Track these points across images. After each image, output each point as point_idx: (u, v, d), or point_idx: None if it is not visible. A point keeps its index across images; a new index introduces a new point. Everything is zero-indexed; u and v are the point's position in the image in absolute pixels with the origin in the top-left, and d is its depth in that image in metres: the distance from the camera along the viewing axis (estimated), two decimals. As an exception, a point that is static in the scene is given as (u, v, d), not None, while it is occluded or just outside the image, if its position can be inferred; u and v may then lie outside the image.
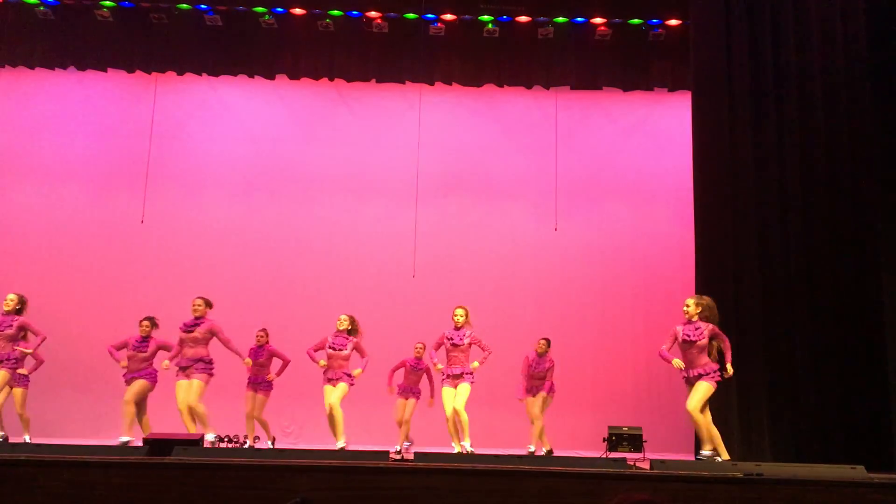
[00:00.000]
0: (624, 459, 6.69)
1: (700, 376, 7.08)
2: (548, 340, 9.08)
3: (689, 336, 7.08)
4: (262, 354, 8.94)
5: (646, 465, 6.20)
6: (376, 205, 11.41)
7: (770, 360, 8.41)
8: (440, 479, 5.23)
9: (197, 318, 8.06)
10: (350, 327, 8.30)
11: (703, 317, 7.13)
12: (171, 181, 11.25)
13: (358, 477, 5.25)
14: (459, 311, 8.20)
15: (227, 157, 11.55)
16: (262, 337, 9.03)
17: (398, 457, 7.32)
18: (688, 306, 7.19)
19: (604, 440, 9.05)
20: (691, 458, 8.81)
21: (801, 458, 7.78)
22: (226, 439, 8.56)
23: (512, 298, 11.08)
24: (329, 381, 8.17)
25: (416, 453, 6.52)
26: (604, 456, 8.11)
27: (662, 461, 6.06)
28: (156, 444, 6.15)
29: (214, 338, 8.08)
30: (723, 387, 8.44)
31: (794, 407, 8.29)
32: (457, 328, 8.16)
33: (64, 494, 5.10)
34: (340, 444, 7.91)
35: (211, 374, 8.04)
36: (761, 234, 8.67)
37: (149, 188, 10.95)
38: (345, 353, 8.18)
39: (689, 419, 7.23)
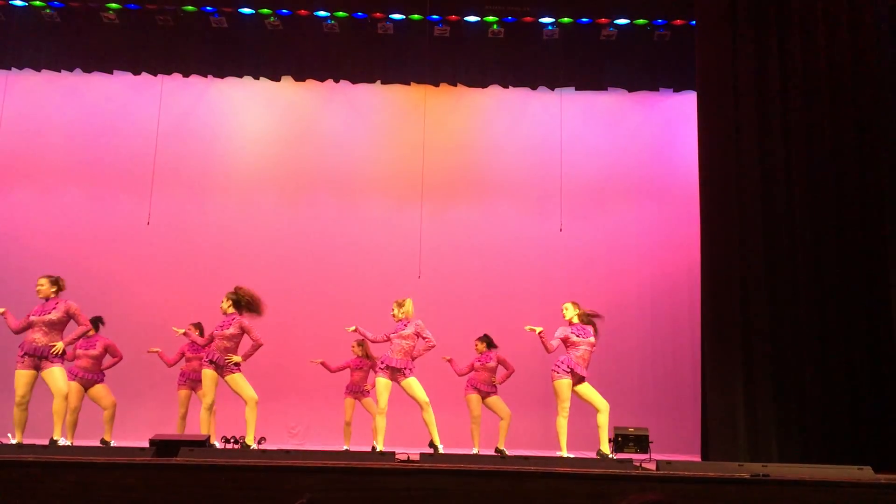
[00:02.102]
0: (630, 460, 6.69)
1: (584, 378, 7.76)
2: (483, 339, 9.03)
3: (579, 335, 7.76)
4: (201, 349, 8.68)
5: (652, 466, 6.19)
6: (382, 206, 11.43)
7: (777, 359, 8.38)
8: (446, 480, 5.24)
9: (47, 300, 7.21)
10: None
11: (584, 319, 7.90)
12: (177, 183, 11.28)
13: (364, 478, 5.26)
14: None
15: (232, 159, 11.58)
16: (192, 331, 8.84)
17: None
18: (567, 309, 7.94)
19: (610, 441, 9.04)
20: (698, 459, 8.80)
21: (808, 458, 7.75)
22: (231, 440, 8.55)
23: (517, 299, 11.08)
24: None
25: (421, 454, 6.53)
26: (610, 457, 8.10)
27: (669, 462, 6.06)
28: (162, 446, 6.16)
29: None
30: (730, 388, 8.45)
31: (800, 408, 8.26)
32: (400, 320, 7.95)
33: (70, 495, 5.11)
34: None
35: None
36: (768, 234, 8.64)
37: (155, 190, 10.98)
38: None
39: (603, 421, 7.70)
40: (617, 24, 10.24)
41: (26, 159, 11.25)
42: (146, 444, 6.35)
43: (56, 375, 7.05)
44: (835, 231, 8.53)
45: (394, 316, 7.96)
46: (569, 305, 7.98)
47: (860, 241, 8.47)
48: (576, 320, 7.86)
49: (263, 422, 7.70)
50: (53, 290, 7.25)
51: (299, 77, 10.90)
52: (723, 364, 8.45)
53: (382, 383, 7.73)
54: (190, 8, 10.15)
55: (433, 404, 7.77)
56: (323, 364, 9.16)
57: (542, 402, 10.13)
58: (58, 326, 7.18)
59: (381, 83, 11.03)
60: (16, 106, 11.17)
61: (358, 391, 9.09)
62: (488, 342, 9.00)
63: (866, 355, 8.26)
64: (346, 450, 8.46)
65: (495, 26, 10.25)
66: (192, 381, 8.77)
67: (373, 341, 8.15)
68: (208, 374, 7.54)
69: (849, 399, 8.19)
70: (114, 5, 10.12)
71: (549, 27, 10.27)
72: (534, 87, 11.01)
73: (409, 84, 11.05)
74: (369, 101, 11.60)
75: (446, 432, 8.04)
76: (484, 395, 8.81)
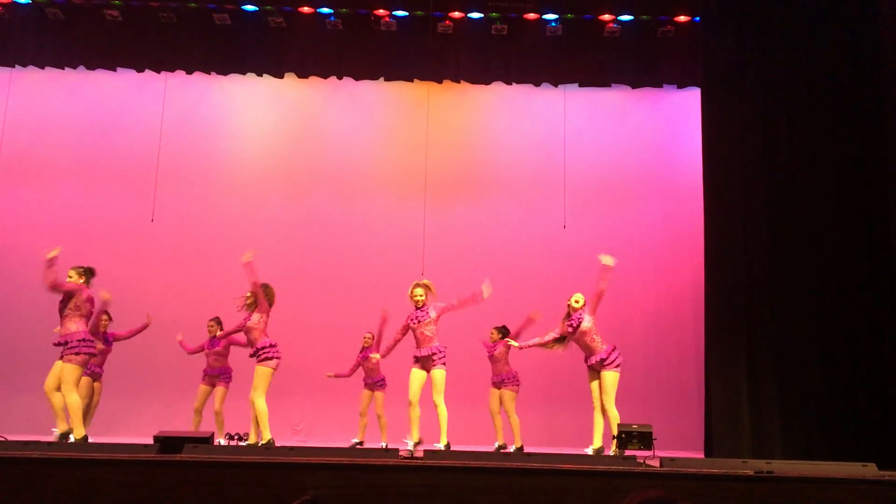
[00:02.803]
0: (634, 457, 6.68)
1: (603, 362, 7.62)
2: (499, 329, 8.88)
3: (573, 326, 7.72)
4: (218, 344, 8.80)
5: (656, 463, 6.19)
6: (385, 202, 11.42)
7: (780, 357, 8.38)
8: (450, 477, 5.23)
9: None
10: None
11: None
12: (181, 180, 11.28)
13: (367, 475, 5.26)
14: (419, 291, 7.83)
15: (236, 156, 11.59)
16: (213, 327, 8.90)
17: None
18: (577, 301, 7.88)
19: (613, 438, 9.03)
20: (701, 455, 8.79)
21: (812, 455, 7.75)
22: (236, 437, 8.57)
23: (520, 296, 11.04)
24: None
25: (425, 451, 6.53)
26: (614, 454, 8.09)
27: (672, 459, 6.05)
28: (166, 442, 6.17)
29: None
30: (733, 384, 8.44)
31: (804, 404, 8.26)
32: (419, 308, 7.86)
33: (74, 492, 5.12)
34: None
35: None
36: (771, 230, 8.64)
37: (159, 187, 10.98)
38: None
39: (606, 415, 7.63)
40: (621, 21, 10.22)
41: (30, 156, 11.25)
42: (150, 441, 6.37)
43: (65, 373, 7.02)
44: (839, 228, 8.52)
45: (417, 301, 7.84)
46: (580, 297, 7.92)
47: (864, 239, 8.47)
48: (576, 306, 7.83)
49: (248, 418, 7.69)
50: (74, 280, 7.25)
51: (302, 74, 10.90)
52: (727, 361, 8.46)
53: (414, 374, 7.74)
54: (193, 5, 10.16)
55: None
56: (337, 375, 9.18)
57: (545, 399, 10.13)
58: (64, 314, 7.13)
59: (385, 80, 11.01)
60: (20, 103, 11.18)
61: (373, 383, 9.12)
62: (503, 333, 8.85)
63: (870, 353, 8.26)
64: (358, 443, 8.51)
65: (498, 23, 10.24)
66: (211, 378, 8.80)
67: (396, 342, 8.08)
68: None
69: (852, 396, 8.19)
70: (117, 2, 10.13)
71: (553, 24, 10.25)
72: (537, 84, 10.99)
73: (413, 81, 11.03)
74: (372, 98, 11.59)
75: (455, 427, 8.03)
76: (497, 386, 8.77)
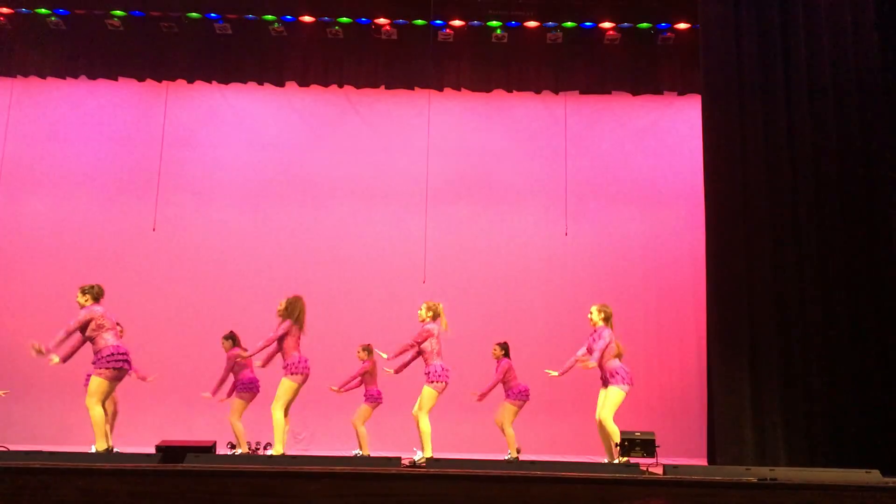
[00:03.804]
0: (637, 465, 6.67)
1: (612, 377, 7.63)
2: (499, 345, 8.83)
3: (592, 343, 7.74)
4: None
5: (659, 471, 6.18)
6: (386, 211, 11.43)
7: (784, 363, 8.36)
8: (452, 486, 5.22)
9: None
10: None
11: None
12: (183, 189, 11.31)
13: (370, 483, 5.24)
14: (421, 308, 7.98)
15: (237, 165, 11.60)
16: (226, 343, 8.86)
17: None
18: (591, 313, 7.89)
19: (616, 445, 9.02)
20: (704, 463, 8.77)
21: (816, 462, 7.73)
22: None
23: (522, 303, 11.07)
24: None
25: (428, 459, 6.52)
26: (616, 461, 8.08)
27: (675, 466, 6.04)
28: (168, 452, 6.17)
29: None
30: (736, 391, 8.42)
31: (808, 411, 8.23)
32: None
33: (76, 502, 5.11)
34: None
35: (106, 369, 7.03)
36: (774, 237, 8.62)
37: (160, 196, 11.00)
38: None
39: (604, 427, 7.61)
40: (621, 28, 10.25)
41: (31, 166, 11.28)
42: (152, 451, 6.37)
43: (90, 385, 7.04)
44: (842, 233, 8.50)
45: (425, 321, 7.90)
46: (593, 309, 7.93)
47: (868, 243, 8.45)
48: (600, 324, 7.81)
49: (269, 427, 7.67)
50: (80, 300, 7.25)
51: (303, 83, 10.93)
52: (729, 368, 8.43)
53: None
54: (194, 15, 10.19)
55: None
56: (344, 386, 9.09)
57: (548, 407, 10.10)
58: (92, 338, 7.14)
59: (385, 88, 11.04)
60: (21, 113, 11.22)
61: (365, 393, 9.03)
62: (504, 349, 8.82)
63: (874, 358, 8.23)
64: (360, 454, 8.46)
65: (499, 31, 10.26)
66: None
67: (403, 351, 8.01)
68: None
69: (856, 402, 8.16)
70: (118, 12, 10.16)
71: (553, 31, 10.27)
72: (538, 92, 11.01)
73: (413, 89, 11.05)
74: (373, 106, 11.61)
75: (452, 437, 8.02)
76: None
